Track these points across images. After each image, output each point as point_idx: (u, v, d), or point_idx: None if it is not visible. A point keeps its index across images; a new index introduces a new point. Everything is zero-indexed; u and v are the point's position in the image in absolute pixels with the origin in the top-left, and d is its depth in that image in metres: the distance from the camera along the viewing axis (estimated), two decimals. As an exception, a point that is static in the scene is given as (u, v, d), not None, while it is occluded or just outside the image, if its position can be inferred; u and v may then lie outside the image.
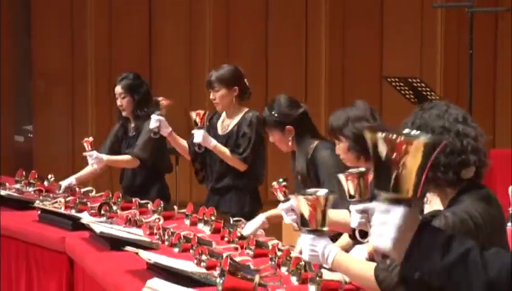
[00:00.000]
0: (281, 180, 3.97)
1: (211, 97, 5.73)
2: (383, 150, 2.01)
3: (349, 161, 4.45)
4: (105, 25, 8.90)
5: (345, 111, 4.45)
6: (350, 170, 3.41)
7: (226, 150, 5.68)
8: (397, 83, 7.74)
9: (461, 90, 7.75)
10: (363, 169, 3.39)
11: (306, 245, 3.24)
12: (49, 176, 6.35)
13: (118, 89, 6.22)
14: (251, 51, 9.12)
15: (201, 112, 5.58)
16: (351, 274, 3.31)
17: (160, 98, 5.79)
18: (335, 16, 9.20)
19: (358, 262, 3.26)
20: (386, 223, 2.00)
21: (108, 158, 6.17)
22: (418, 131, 2.03)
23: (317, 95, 8.98)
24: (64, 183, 6.20)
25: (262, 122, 5.18)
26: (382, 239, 2.01)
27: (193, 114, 5.62)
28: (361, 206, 3.31)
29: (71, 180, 6.24)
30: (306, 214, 3.27)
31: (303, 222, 3.29)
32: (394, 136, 1.99)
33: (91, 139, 6.14)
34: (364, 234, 3.34)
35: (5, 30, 8.84)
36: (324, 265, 3.34)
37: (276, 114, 5.02)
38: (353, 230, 3.37)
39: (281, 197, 3.95)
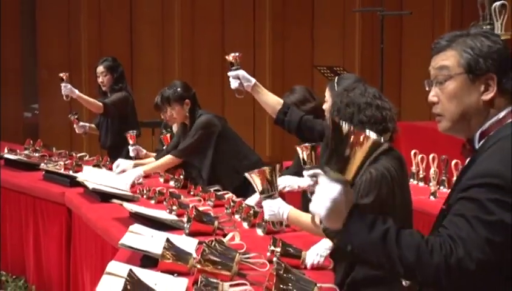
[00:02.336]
0: (237, 53, 3.91)
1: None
2: (343, 137, 1.94)
3: None
4: (94, 26, 8.82)
5: (288, 98, 4.44)
6: (305, 144, 3.40)
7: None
8: (325, 71, 7.78)
9: (375, 76, 7.78)
10: (313, 143, 3.39)
11: (265, 208, 3.28)
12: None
13: (100, 68, 6.17)
14: (210, 49, 9.10)
15: (168, 136, 5.51)
16: (302, 225, 3.32)
17: (129, 133, 5.69)
18: (276, 19, 9.22)
19: (306, 215, 3.27)
20: (325, 195, 1.94)
21: (79, 94, 6.08)
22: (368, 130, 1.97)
23: (263, 79, 8.93)
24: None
25: (166, 99, 5.12)
26: (319, 207, 1.94)
27: (162, 138, 5.59)
28: (311, 171, 3.29)
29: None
30: (260, 185, 3.29)
31: (260, 191, 3.32)
32: (354, 129, 1.94)
33: (67, 73, 6.08)
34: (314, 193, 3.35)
35: (15, 29, 8.74)
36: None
37: (178, 89, 5.10)
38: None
39: (232, 62, 3.88)
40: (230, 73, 3.87)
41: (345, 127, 1.95)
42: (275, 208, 3.26)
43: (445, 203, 2.04)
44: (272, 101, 3.86)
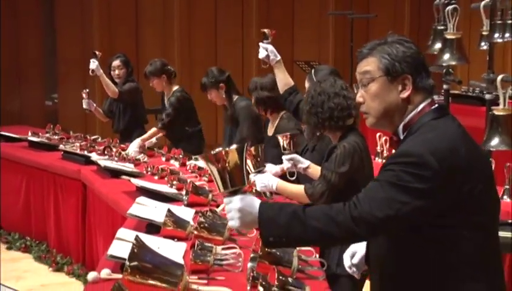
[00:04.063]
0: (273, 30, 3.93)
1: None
2: (214, 164, 1.94)
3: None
4: (105, 26, 8.74)
5: (258, 80, 4.55)
6: (285, 133, 3.48)
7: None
8: (303, 65, 7.78)
9: (346, 70, 7.75)
10: (294, 132, 3.45)
11: (257, 182, 3.37)
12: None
13: (117, 62, 6.05)
14: (204, 46, 9.06)
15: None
16: (289, 193, 3.39)
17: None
18: (261, 20, 9.17)
19: (292, 185, 3.38)
20: (231, 210, 1.95)
21: (103, 75, 5.88)
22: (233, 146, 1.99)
23: (250, 72, 8.93)
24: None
25: (203, 85, 5.11)
26: (233, 222, 1.96)
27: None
28: (289, 156, 3.36)
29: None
30: (250, 163, 3.36)
31: (251, 168, 3.40)
32: (216, 151, 1.94)
33: (101, 53, 5.97)
34: (292, 174, 3.40)
35: (37, 29, 8.66)
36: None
37: (212, 77, 5.06)
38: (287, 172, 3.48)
39: (266, 35, 3.86)
40: (261, 44, 3.82)
41: (206, 158, 1.96)
42: (265, 181, 3.34)
43: None
44: (285, 80, 3.84)
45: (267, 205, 1.97)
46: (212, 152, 1.94)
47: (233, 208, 1.94)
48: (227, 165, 1.91)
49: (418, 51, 2.04)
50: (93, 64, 5.81)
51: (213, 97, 5.12)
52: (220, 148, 1.96)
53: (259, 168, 3.41)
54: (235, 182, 1.93)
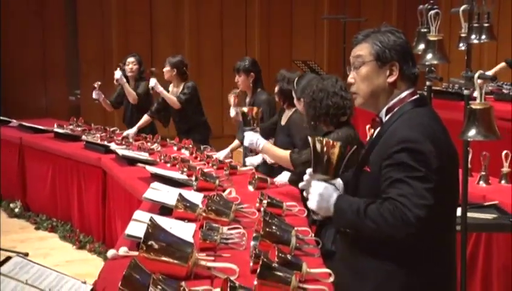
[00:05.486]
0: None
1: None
2: (319, 148, 2.02)
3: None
4: (122, 29, 8.73)
5: (287, 73, 4.39)
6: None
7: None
8: (300, 64, 7.76)
9: (339, 68, 7.77)
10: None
11: (246, 138, 3.43)
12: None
13: (131, 59, 6.09)
14: (212, 47, 9.04)
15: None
16: (272, 155, 3.43)
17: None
18: (263, 23, 9.17)
19: (278, 149, 3.44)
20: (313, 193, 2.01)
21: (125, 83, 5.93)
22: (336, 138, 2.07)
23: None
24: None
25: (236, 68, 5.10)
26: (311, 203, 2.02)
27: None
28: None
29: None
30: (246, 119, 3.42)
31: (245, 124, 3.44)
32: (325, 139, 2.04)
33: (124, 67, 6.02)
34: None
35: (61, 31, 8.64)
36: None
37: (247, 63, 5.05)
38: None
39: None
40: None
41: (320, 142, 2.03)
42: (254, 139, 3.39)
43: (366, 166, 2.04)
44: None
45: (342, 200, 2.00)
46: (324, 139, 2.04)
47: (315, 192, 2.00)
48: (329, 154, 1.99)
49: (407, 41, 2.05)
50: (117, 74, 5.89)
51: (240, 81, 5.10)
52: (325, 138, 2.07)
53: (252, 127, 3.43)
54: (328, 172, 2.02)
